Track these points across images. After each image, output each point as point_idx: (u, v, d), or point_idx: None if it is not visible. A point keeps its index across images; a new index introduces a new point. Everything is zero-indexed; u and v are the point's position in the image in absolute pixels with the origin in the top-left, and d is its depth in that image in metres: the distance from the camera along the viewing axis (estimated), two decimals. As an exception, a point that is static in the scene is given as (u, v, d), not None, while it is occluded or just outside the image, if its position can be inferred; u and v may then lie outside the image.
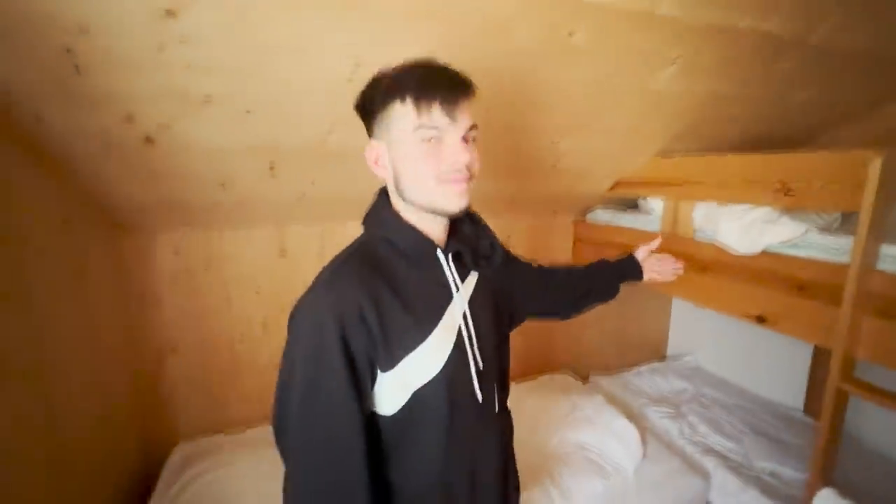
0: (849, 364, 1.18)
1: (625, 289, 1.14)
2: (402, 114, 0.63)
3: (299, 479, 0.64)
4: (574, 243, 2.38)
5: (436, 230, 0.72)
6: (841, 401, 1.21)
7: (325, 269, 0.68)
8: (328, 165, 1.44)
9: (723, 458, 1.82)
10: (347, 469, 0.62)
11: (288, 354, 0.64)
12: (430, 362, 0.66)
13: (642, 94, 1.48)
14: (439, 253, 0.71)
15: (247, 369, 1.80)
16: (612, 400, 2.14)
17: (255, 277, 1.74)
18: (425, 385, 0.65)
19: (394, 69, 0.65)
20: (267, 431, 1.76)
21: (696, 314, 2.64)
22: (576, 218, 2.37)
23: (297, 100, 1.17)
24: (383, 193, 0.74)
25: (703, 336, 2.64)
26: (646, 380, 2.45)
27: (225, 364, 1.76)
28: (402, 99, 0.63)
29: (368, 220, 0.75)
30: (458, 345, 0.69)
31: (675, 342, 2.84)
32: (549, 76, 1.31)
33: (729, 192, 1.50)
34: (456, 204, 0.66)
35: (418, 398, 0.66)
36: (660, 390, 2.36)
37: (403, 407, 0.66)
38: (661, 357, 2.85)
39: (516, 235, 2.24)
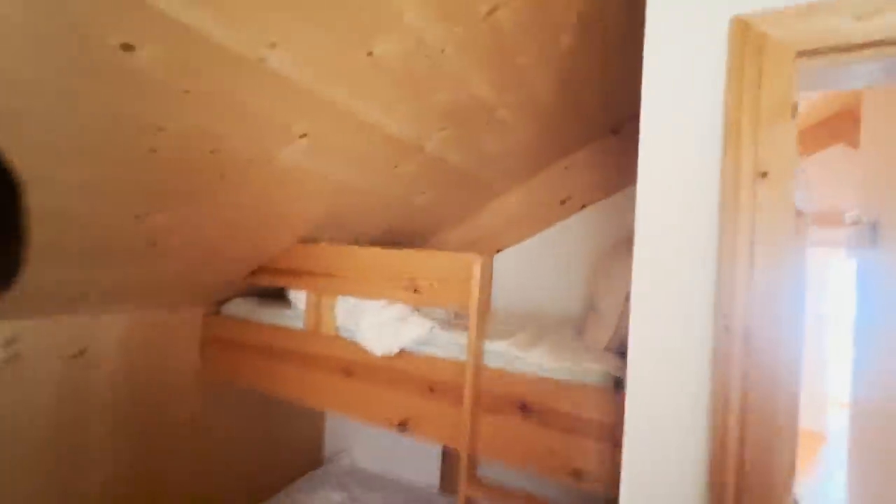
0: (473, 466, 1.18)
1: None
2: None
3: None
4: (203, 345, 1.82)
5: None
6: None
7: None
8: None
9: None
10: None
11: None
12: None
13: (271, 168, 1.22)
14: None
15: None
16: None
17: None
18: None
19: None
20: None
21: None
22: (207, 311, 1.84)
23: None
24: None
25: (356, 430, 2.53)
26: (302, 497, 2.08)
27: None
28: None
29: None
30: None
31: (332, 442, 2.61)
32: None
33: (367, 287, 1.40)
34: None
35: None
36: (314, 511, 2.02)
37: None
38: (320, 461, 2.55)
39: (116, 338, 1.50)
